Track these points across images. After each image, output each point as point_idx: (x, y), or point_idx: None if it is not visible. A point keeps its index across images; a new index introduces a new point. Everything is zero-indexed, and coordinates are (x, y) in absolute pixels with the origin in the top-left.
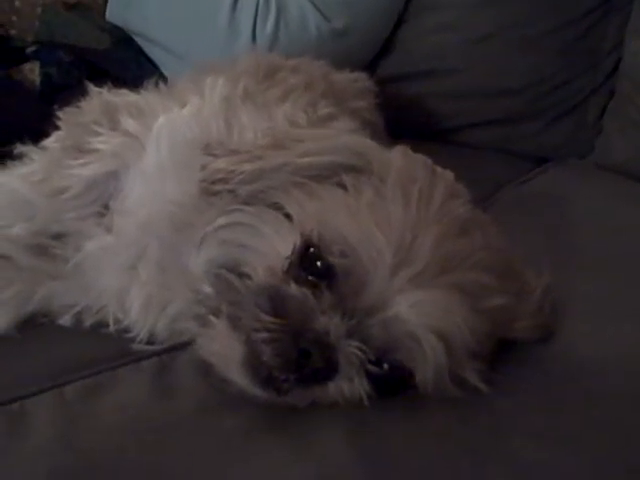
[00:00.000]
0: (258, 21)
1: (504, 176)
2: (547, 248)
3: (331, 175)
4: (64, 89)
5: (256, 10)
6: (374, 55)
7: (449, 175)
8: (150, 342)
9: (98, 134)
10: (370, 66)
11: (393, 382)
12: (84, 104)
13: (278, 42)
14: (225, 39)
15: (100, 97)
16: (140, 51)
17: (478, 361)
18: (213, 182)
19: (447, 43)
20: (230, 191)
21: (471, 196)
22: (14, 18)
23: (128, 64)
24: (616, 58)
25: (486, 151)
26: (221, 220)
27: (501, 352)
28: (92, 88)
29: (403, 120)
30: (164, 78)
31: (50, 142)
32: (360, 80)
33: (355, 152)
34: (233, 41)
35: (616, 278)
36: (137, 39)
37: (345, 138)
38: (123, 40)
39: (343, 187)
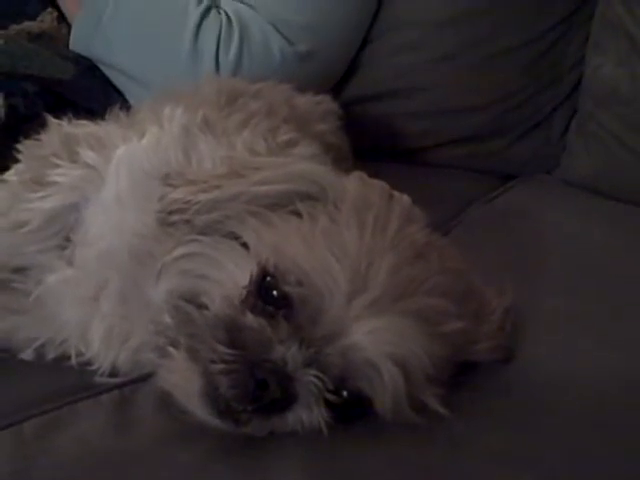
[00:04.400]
0: (221, 46)
1: (471, 194)
2: (514, 265)
3: (286, 203)
4: (29, 120)
5: (219, 36)
6: (340, 77)
7: (406, 200)
8: (113, 374)
9: (57, 166)
10: (335, 87)
11: (352, 409)
12: (44, 136)
13: (242, 67)
14: (188, 65)
15: (59, 129)
16: (106, 80)
17: (437, 385)
18: (170, 213)
19: (411, 63)
20: (187, 221)
21: (429, 219)
22: None
23: (94, 93)
24: (578, 74)
25: (452, 169)
26: (179, 250)
27: (462, 374)
28: (51, 120)
29: (369, 141)
30: (129, 106)
31: (9, 175)
32: (324, 102)
33: (310, 180)
34: (196, 67)
35: (582, 295)
36: (101, 67)
37: (300, 165)
38: (88, 69)
39: (298, 215)
